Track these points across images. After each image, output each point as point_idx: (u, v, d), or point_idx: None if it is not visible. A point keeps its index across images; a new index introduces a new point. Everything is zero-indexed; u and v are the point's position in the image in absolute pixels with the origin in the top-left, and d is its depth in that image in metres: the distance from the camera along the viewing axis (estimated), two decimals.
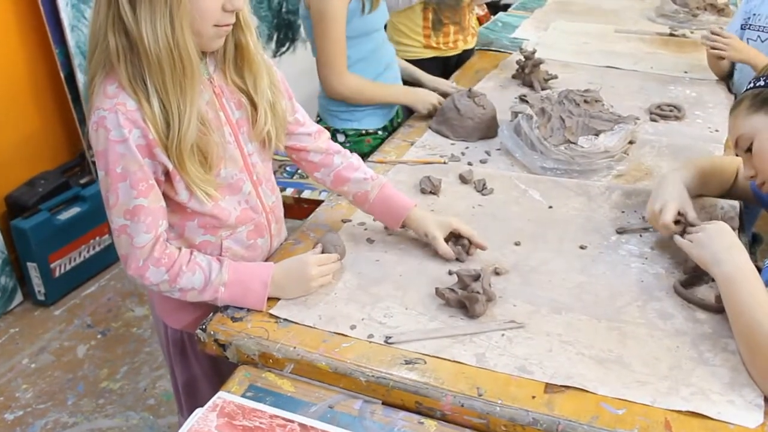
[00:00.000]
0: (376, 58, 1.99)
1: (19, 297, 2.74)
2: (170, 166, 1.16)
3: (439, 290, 1.25)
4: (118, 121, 1.10)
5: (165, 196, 1.21)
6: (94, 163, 2.95)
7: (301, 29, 3.90)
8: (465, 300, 1.22)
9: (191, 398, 1.46)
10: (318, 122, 2.04)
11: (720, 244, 1.24)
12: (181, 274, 1.20)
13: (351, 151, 1.49)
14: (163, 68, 1.09)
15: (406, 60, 2.33)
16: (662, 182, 1.47)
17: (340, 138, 2.02)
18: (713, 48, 2.22)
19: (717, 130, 2.01)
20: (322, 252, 1.32)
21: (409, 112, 2.15)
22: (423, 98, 2.05)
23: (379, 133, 2.05)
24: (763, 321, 1.09)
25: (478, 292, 1.21)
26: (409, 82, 2.21)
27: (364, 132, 2.03)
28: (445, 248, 1.37)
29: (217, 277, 1.22)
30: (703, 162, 1.57)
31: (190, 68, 1.11)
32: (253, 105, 1.27)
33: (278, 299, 1.26)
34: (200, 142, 1.17)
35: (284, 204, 1.47)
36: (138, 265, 1.18)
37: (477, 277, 1.25)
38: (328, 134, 1.47)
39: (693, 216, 1.38)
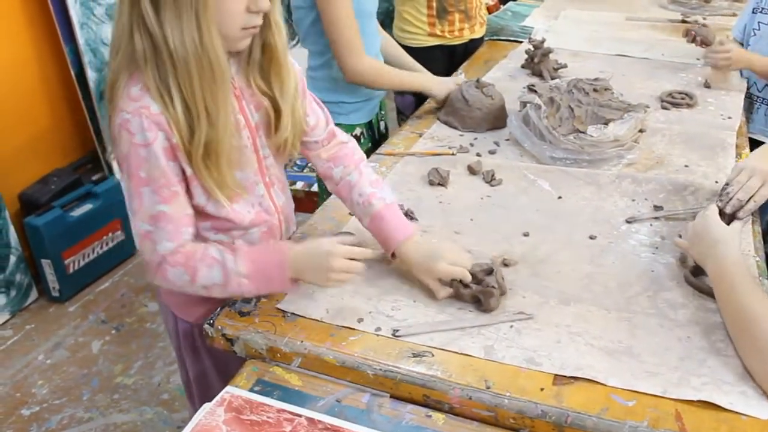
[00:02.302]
0: (368, 42, 1.94)
1: (34, 294, 2.76)
2: (189, 171, 1.14)
3: (453, 285, 1.24)
4: (142, 125, 1.08)
5: None
6: (107, 162, 3.00)
7: None
8: (480, 294, 1.21)
9: (203, 391, 1.47)
10: None
11: (705, 242, 1.23)
12: (198, 269, 1.16)
13: None
14: (191, 72, 1.06)
15: (411, 47, 2.30)
16: None
17: None
18: (714, 65, 2.20)
19: (730, 117, 1.98)
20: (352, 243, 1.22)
21: (417, 104, 2.13)
22: (441, 85, 1.99)
23: (363, 136, 2.01)
24: (752, 316, 1.07)
25: (493, 287, 1.20)
26: None
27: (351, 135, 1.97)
28: (437, 288, 1.25)
29: (234, 269, 1.16)
30: None
31: (219, 72, 1.08)
32: (275, 109, 1.23)
33: (285, 294, 1.26)
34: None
35: (294, 198, 1.46)
36: (158, 268, 1.17)
37: (490, 272, 1.24)
38: (338, 139, 1.40)
39: (743, 199, 1.40)
